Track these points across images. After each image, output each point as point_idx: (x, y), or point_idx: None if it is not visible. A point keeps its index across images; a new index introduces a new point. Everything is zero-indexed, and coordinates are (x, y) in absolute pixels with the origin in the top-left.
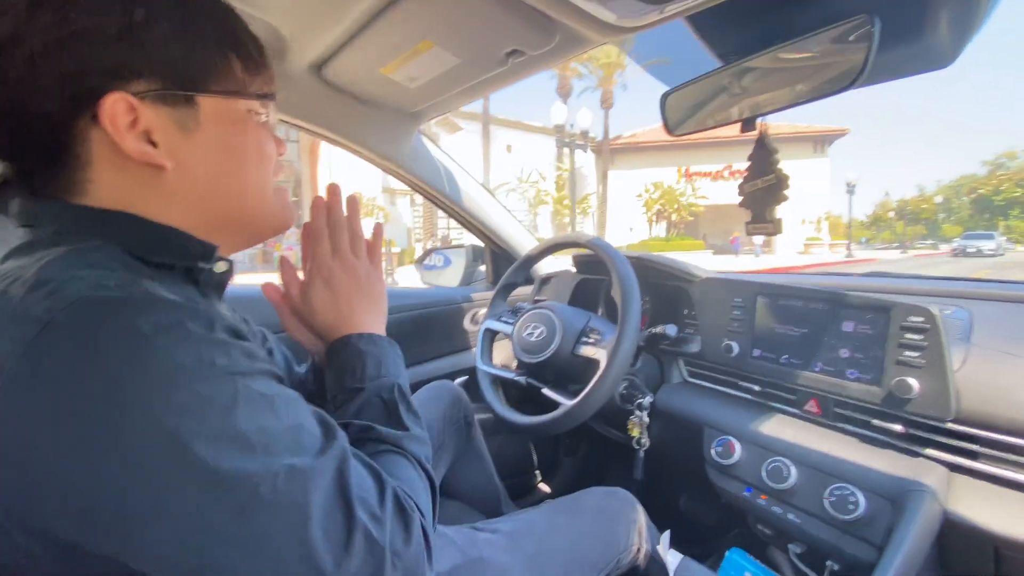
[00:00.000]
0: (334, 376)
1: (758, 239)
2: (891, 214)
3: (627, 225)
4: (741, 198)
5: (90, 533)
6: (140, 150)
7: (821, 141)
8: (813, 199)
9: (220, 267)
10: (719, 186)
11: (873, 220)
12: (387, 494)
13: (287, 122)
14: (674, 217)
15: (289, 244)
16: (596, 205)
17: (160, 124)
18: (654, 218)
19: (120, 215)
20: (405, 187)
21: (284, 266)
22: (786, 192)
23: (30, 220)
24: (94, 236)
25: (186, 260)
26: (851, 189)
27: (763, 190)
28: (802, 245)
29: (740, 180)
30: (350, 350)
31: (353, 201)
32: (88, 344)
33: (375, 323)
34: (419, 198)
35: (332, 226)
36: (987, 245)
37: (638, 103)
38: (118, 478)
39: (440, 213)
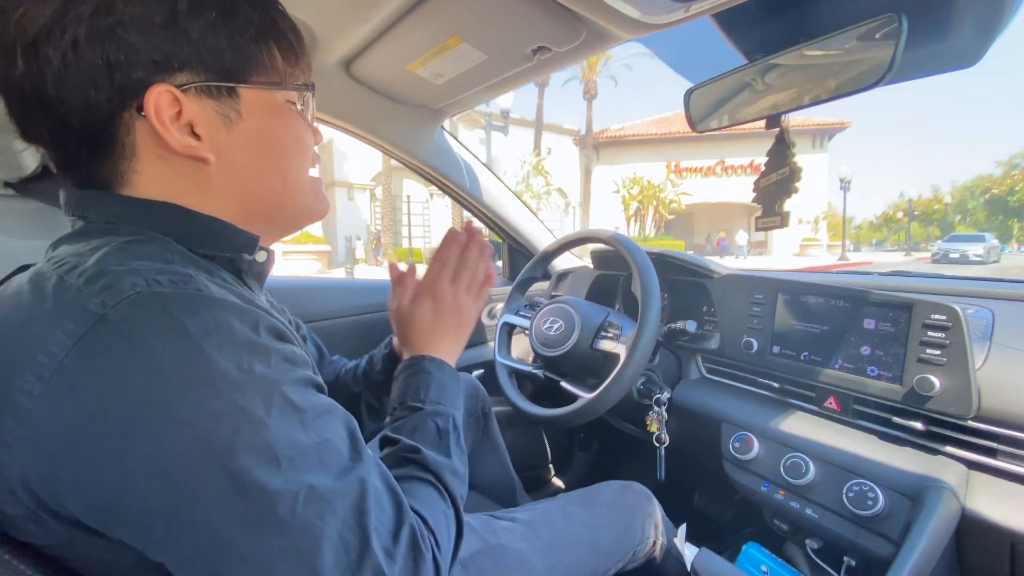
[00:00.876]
0: (400, 389)
1: (741, 239)
2: (900, 215)
3: (613, 223)
4: (755, 193)
5: (113, 527)
6: (184, 143)
7: (820, 135)
8: (811, 197)
9: (261, 256)
10: (711, 182)
11: (884, 221)
12: (404, 529)
13: (315, 117)
14: (653, 215)
15: None
16: (580, 202)
17: (204, 116)
18: (633, 216)
19: (167, 206)
20: (365, 181)
21: (393, 269)
22: (797, 185)
23: (80, 209)
24: (145, 227)
25: (230, 251)
26: (845, 185)
27: (775, 183)
28: (798, 247)
29: (733, 176)
30: (422, 370)
31: (485, 247)
32: (136, 343)
33: (452, 354)
34: (380, 192)
35: (461, 263)
36: (973, 249)
37: (630, 96)
38: (145, 479)
39: (404, 209)
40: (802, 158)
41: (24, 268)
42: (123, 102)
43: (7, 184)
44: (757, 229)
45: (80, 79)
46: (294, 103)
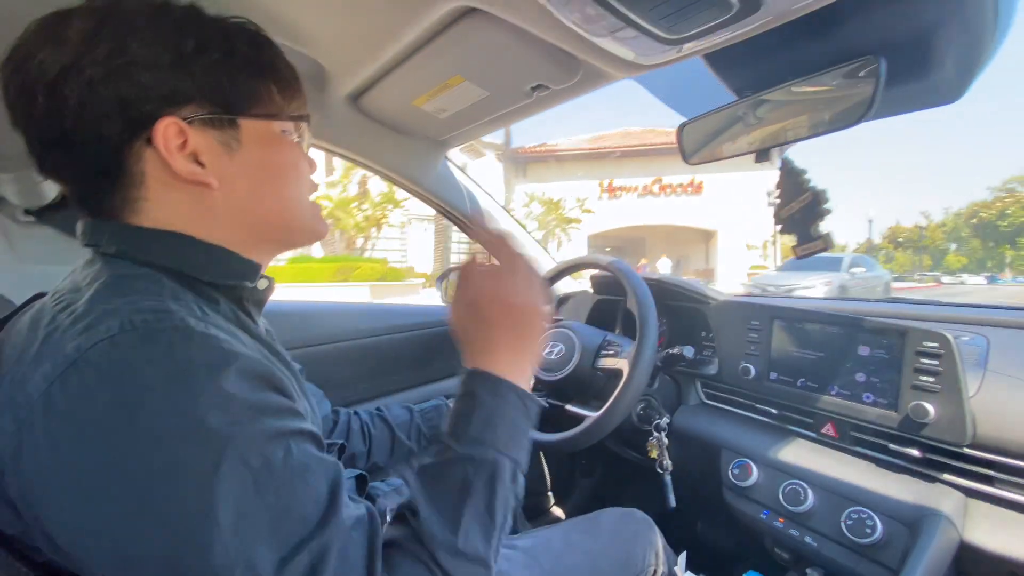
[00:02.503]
0: (449, 414)
1: (664, 266)
2: (880, 240)
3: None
4: (780, 226)
5: (86, 563)
6: (189, 170)
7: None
8: (757, 218)
9: (262, 284)
10: (647, 202)
11: (867, 249)
12: None
13: (325, 149)
14: (546, 236)
15: None
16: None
17: (207, 145)
18: (541, 236)
19: (173, 235)
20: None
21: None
22: (827, 207)
23: (93, 238)
24: (152, 255)
25: (233, 279)
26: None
27: (801, 211)
28: (745, 275)
29: (672, 196)
30: (467, 392)
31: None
32: (96, 392)
33: (514, 365)
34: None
35: (496, 254)
36: (801, 281)
37: (563, 113)
38: (91, 533)
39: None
40: (744, 175)
41: (39, 296)
42: (134, 134)
43: (27, 212)
44: (797, 257)
45: (95, 115)
46: (291, 133)
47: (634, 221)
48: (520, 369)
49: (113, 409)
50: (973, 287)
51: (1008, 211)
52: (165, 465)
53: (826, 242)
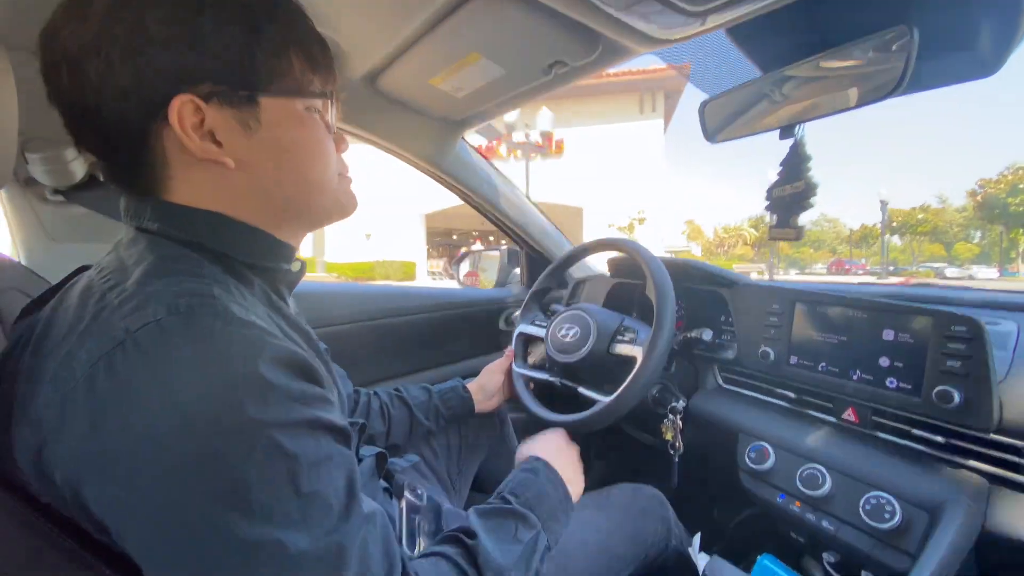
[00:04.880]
0: (511, 477)
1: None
2: (877, 226)
3: None
4: (768, 202)
5: (117, 537)
6: (203, 148)
7: (651, 91)
8: (637, 185)
9: (295, 267)
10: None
11: (863, 236)
12: None
13: (343, 130)
14: None
15: None
16: None
17: (224, 124)
18: None
19: (212, 214)
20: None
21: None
22: (812, 201)
23: (137, 214)
24: (193, 234)
25: (271, 261)
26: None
27: (791, 196)
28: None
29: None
30: (531, 469)
31: None
32: (137, 376)
33: (570, 479)
34: None
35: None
36: None
37: None
38: (129, 510)
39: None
40: (625, 126)
41: (84, 268)
42: (152, 112)
43: (56, 191)
44: (770, 239)
45: (115, 92)
46: (316, 110)
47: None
48: (572, 486)
49: (154, 390)
50: (983, 282)
51: (1021, 184)
52: (201, 448)
53: (799, 235)
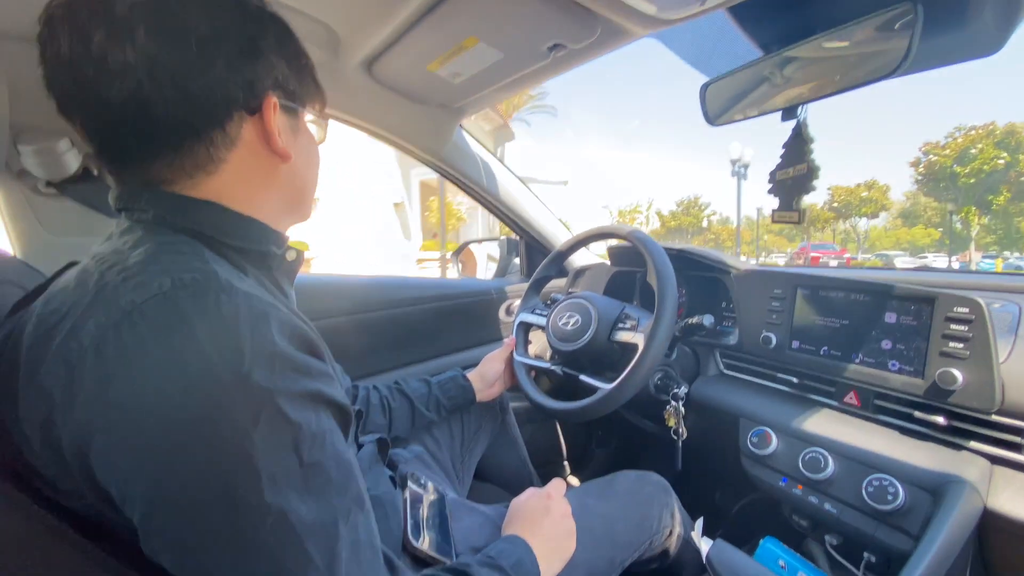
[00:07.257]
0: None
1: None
2: (821, 206)
3: None
4: (771, 185)
5: (121, 501)
6: (282, 142)
7: None
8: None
9: (291, 255)
10: None
11: (810, 220)
12: None
13: (338, 118)
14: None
15: None
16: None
17: (285, 126)
18: None
19: (208, 204)
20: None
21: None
22: (815, 184)
23: (128, 203)
24: (188, 221)
25: (261, 244)
26: (740, 171)
27: (793, 179)
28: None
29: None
30: (512, 542)
31: None
32: (146, 344)
33: (547, 557)
34: None
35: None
36: None
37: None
38: (140, 473)
39: None
40: None
41: (71, 265)
42: (248, 108)
43: (49, 184)
44: (773, 221)
45: (214, 80)
46: (321, 120)
47: None
48: (552, 563)
49: (163, 357)
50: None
51: (972, 149)
52: (208, 413)
53: (801, 218)
